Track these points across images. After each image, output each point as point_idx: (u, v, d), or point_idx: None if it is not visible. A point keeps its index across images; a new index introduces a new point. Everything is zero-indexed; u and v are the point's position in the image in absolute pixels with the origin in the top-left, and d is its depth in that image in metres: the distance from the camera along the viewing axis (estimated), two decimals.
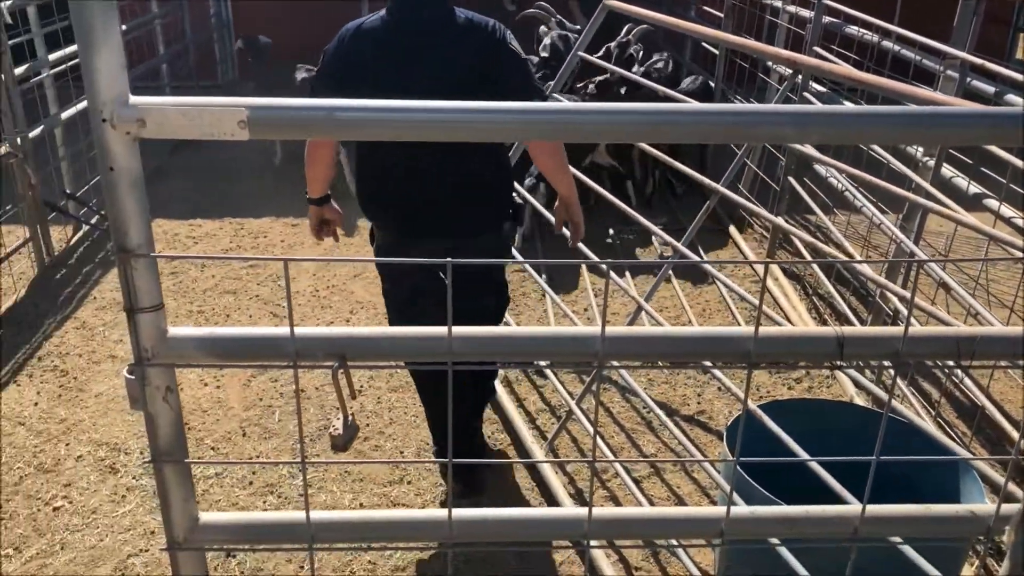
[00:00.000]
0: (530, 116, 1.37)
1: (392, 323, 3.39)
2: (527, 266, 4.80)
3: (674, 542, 3.22)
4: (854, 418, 3.31)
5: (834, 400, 4.02)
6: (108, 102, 1.33)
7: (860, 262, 3.56)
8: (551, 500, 3.73)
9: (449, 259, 1.38)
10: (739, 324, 5.37)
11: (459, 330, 1.56)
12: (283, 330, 1.57)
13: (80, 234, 6.70)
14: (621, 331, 1.60)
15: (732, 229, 6.76)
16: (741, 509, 1.78)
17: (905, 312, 4.59)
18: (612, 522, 1.78)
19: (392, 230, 3.24)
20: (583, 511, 1.75)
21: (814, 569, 2.60)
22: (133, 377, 1.58)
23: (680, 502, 3.78)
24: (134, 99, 1.35)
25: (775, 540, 2.58)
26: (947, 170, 4.21)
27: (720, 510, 1.76)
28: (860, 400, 4.29)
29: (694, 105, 1.34)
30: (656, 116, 1.36)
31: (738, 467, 2.74)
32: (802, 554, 2.65)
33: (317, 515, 1.73)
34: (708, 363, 3.38)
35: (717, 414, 4.45)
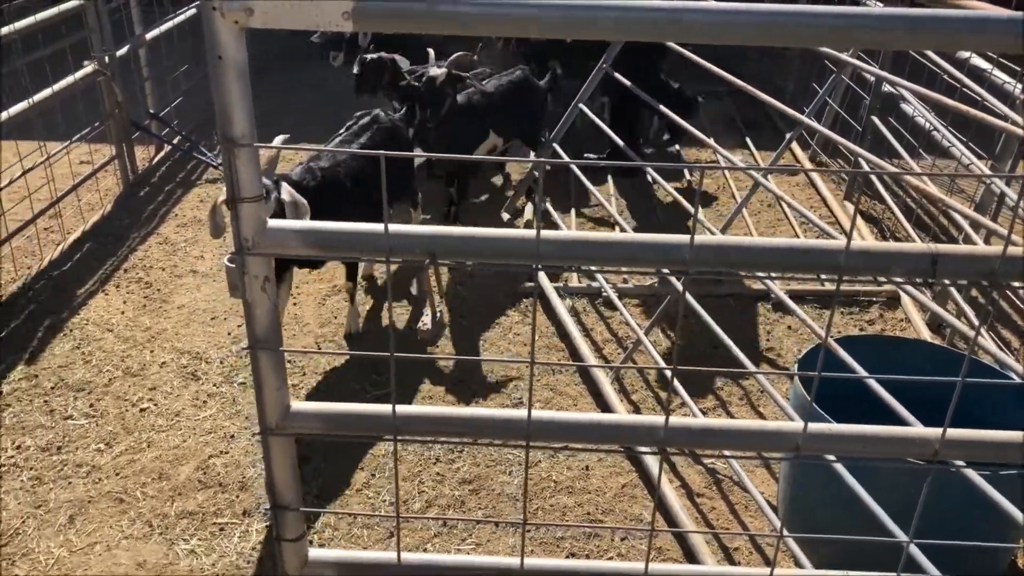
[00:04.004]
0: (622, 14, 1.36)
1: None
2: (600, 198, 4.78)
3: (740, 472, 3.24)
4: (927, 356, 3.27)
5: (907, 338, 3.95)
6: None
7: (916, 174, 3.44)
8: None
9: None
10: None
11: (547, 234, 1.58)
12: (378, 227, 1.61)
13: (162, 154, 6.88)
14: (712, 240, 1.60)
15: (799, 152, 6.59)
16: (819, 425, 1.79)
17: None
18: (688, 431, 1.80)
19: None
20: (660, 419, 1.78)
21: (879, 501, 2.61)
22: (234, 265, 1.65)
23: None
24: None
25: (840, 466, 2.59)
26: None
27: (797, 425, 1.77)
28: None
29: (787, 6, 1.32)
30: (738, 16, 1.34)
31: (805, 391, 2.72)
32: (868, 485, 2.67)
33: (403, 408, 1.80)
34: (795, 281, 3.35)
35: (786, 352, 4.42)
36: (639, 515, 3.35)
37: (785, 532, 2.84)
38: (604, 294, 4.77)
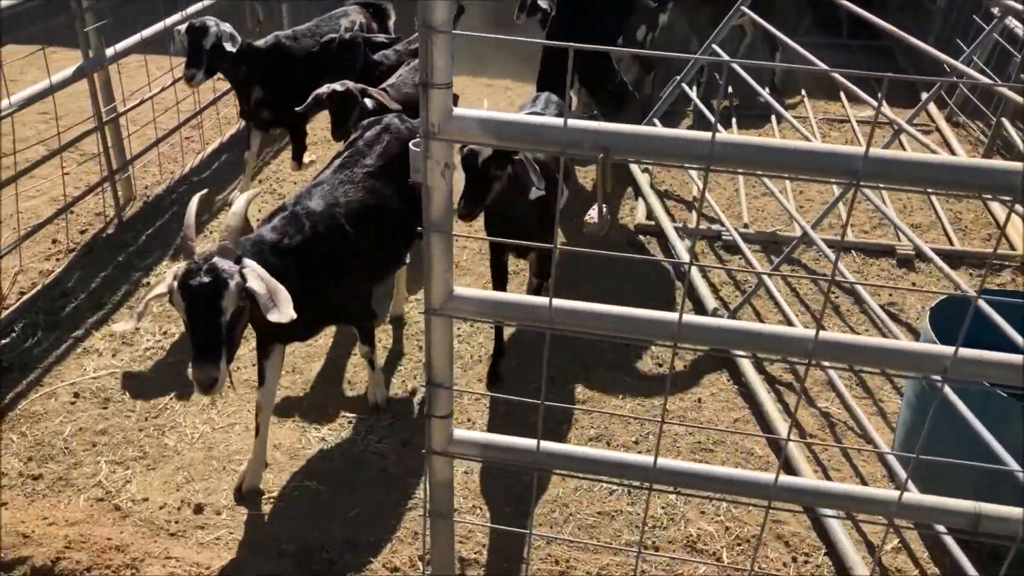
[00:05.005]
0: None
1: None
2: None
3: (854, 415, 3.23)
4: None
5: None
6: None
7: None
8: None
9: None
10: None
11: (722, 136, 1.63)
12: (557, 121, 1.69)
13: None
14: (887, 153, 1.61)
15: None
16: (969, 351, 1.80)
17: None
18: (839, 345, 1.84)
19: None
20: (810, 332, 1.82)
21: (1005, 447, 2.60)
22: (418, 149, 1.76)
23: (861, 381, 3.78)
24: None
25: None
26: None
27: (947, 349, 1.79)
28: None
29: None
30: None
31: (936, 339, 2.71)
32: (993, 432, 2.66)
33: (559, 302, 1.90)
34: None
35: (909, 308, 4.33)
36: (750, 449, 3.40)
37: (911, 469, 2.86)
38: (724, 237, 4.76)
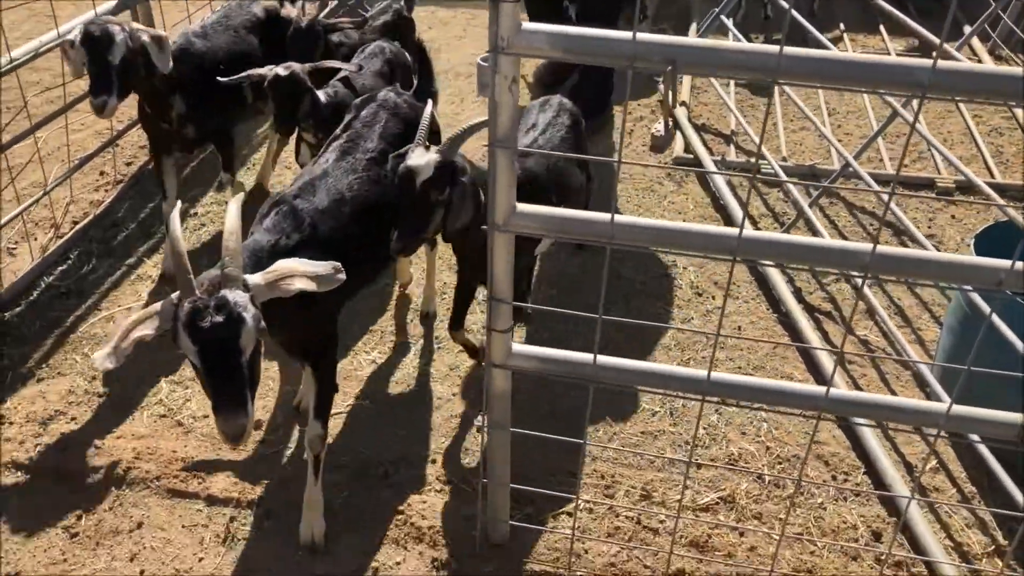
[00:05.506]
0: None
1: None
2: None
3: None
4: None
5: None
6: None
7: None
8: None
9: None
10: None
11: (791, 50, 1.65)
12: (626, 34, 1.72)
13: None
14: (953, 65, 1.64)
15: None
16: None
17: None
18: (896, 259, 1.89)
19: None
20: (867, 246, 1.87)
21: None
22: (486, 64, 1.80)
23: (900, 311, 3.82)
24: None
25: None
26: None
27: (1003, 262, 1.83)
28: None
29: None
30: None
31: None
32: None
33: (621, 218, 1.95)
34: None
35: (948, 240, 4.34)
36: (790, 374, 3.46)
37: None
38: (764, 170, 4.76)
